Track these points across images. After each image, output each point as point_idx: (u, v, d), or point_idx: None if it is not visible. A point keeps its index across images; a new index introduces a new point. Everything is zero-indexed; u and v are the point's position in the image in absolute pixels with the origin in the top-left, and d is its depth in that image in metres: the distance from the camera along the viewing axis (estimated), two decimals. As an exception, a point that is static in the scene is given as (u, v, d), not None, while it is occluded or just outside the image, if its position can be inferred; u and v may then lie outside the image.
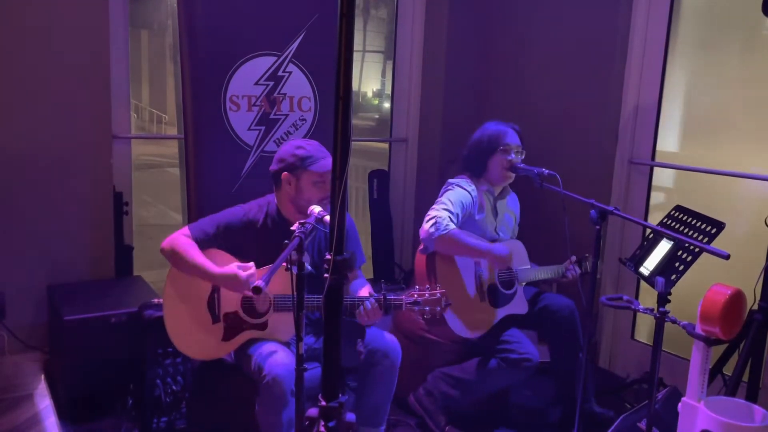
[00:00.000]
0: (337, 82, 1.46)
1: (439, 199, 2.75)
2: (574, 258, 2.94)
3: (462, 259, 2.74)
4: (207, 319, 2.33)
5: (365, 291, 2.36)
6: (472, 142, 2.88)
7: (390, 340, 2.43)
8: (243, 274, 2.20)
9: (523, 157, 2.86)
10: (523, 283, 2.89)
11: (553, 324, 2.84)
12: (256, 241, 2.36)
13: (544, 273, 2.92)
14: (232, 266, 2.24)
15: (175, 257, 2.31)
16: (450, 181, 2.86)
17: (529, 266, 2.94)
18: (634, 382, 3.28)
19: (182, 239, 2.32)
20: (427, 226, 2.60)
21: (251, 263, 2.26)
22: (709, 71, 3.30)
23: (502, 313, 2.79)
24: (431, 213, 2.66)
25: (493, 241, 2.86)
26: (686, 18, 3.29)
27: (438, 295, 2.25)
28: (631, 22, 3.33)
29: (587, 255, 3.02)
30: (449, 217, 2.64)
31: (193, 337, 2.33)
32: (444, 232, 2.59)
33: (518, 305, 2.85)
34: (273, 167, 2.41)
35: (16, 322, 3.07)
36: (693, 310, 2.10)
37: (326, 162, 2.32)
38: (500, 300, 2.79)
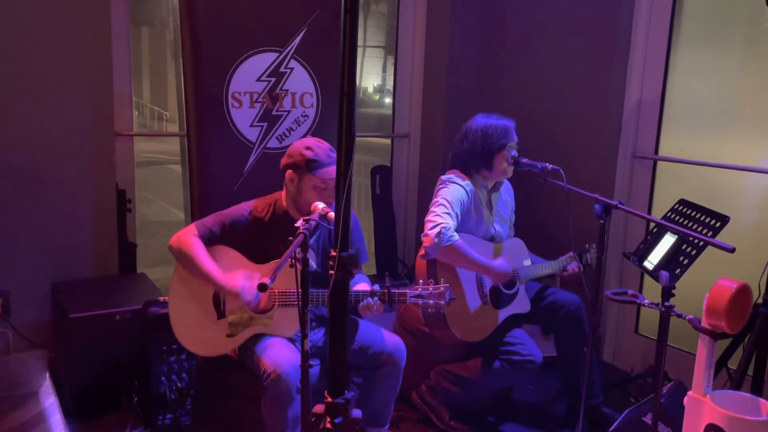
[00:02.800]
0: (342, 79, 1.44)
1: (436, 199, 2.68)
2: (572, 253, 2.93)
3: None
4: (212, 314, 2.33)
5: (364, 285, 2.35)
6: (479, 137, 2.74)
7: (394, 341, 2.42)
8: (247, 296, 2.22)
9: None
10: (525, 282, 2.87)
11: (559, 320, 2.84)
12: (262, 238, 2.36)
13: (544, 269, 2.90)
14: (239, 279, 2.24)
15: (183, 258, 2.31)
16: (443, 177, 2.79)
17: (530, 263, 2.92)
18: (639, 376, 3.28)
19: (191, 239, 2.31)
20: (432, 234, 2.52)
21: (257, 273, 2.26)
22: (712, 64, 3.29)
23: (504, 314, 2.77)
24: (435, 219, 2.57)
25: (491, 238, 2.84)
26: (689, 11, 3.28)
27: (442, 288, 2.24)
28: (634, 15, 3.32)
29: (587, 246, 2.96)
30: (454, 226, 2.59)
31: (198, 334, 2.33)
32: (448, 243, 2.53)
33: (520, 304, 2.83)
34: (282, 161, 2.39)
35: (21, 320, 3.07)
36: (697, 304, 2.10)
37: (332, 169, 2.27)
38: (502, 301, 2.77)
